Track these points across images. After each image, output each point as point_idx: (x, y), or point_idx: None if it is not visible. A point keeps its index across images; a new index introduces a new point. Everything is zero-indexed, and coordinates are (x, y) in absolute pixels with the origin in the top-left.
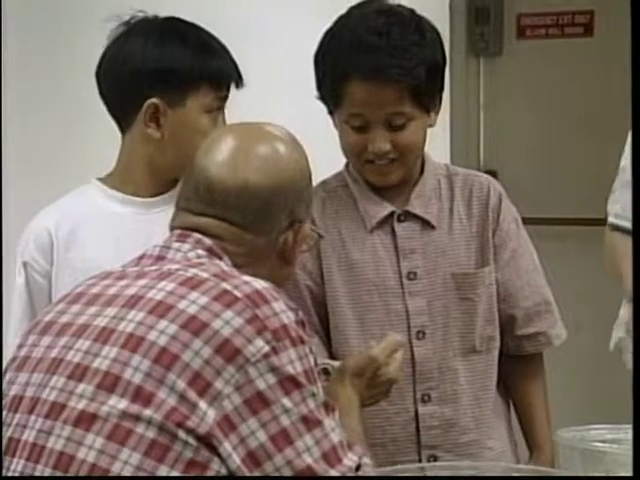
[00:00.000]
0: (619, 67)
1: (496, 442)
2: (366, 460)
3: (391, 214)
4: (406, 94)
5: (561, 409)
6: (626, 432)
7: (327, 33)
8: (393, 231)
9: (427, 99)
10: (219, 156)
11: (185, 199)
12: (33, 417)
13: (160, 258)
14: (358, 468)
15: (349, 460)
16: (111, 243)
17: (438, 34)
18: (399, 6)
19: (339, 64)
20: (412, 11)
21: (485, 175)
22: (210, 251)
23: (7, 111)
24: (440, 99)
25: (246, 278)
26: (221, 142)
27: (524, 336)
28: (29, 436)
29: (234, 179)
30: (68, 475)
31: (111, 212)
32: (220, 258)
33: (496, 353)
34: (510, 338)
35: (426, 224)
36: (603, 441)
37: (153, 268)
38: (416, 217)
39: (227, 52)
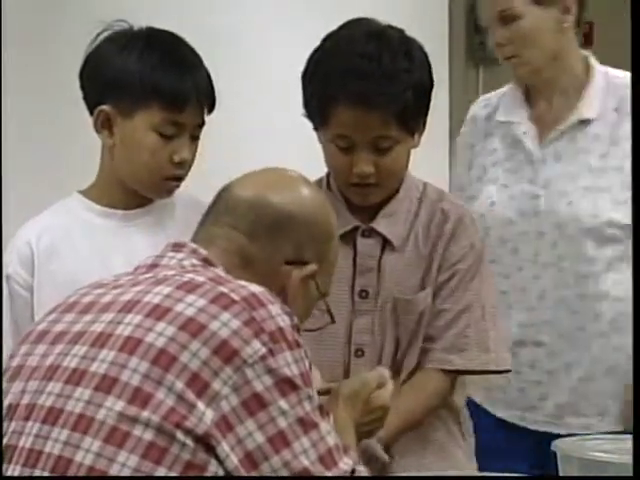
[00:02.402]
0: None
1: (443, 463)
2: (360, 467)
3: (355, 229)
4: (393, 119)
5: None
6: (625, 442)
7: (315, 53)
8: (355, 246)
9: (413, 123)
10: (250, 180)
11: (204, 215)
12: (30, 423)
13: (154, 266)
14: (353, 472)
15: (344, 464)
16: (93, 255)
17: (426, 56)
18: (389, 27)
19: (327, 87)
20: (401, 33)
21: (455, 201)
22: (205, 261)
23: (7, 112)
24: (425, 121)
25: (242, 282)
26: (257, 173)
27: (425, 349)
28: (26, 442)
29: (253, 194)
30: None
31: (92, 224)
32: (215, 267)
33: (412, 373)
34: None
35: (388, 244)
36: (602, 451)
37: (148, 275)
38: (380, 235)
39: (201, 74)
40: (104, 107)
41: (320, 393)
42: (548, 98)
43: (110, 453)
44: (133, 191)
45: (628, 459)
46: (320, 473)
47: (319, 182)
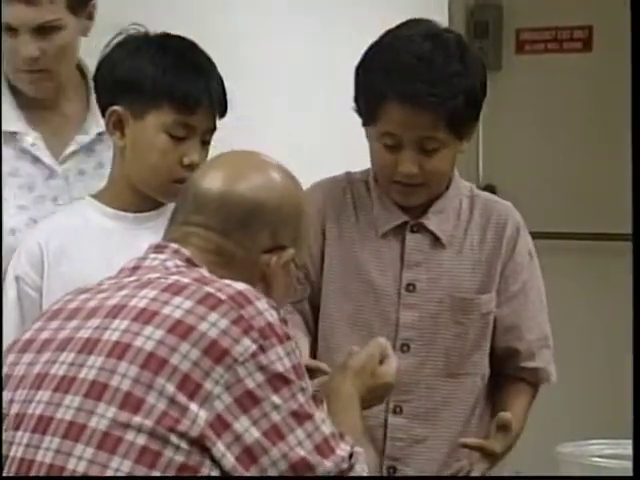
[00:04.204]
0: (618, 82)
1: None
2: (357, 449)
3: (404, 223)
4: (442, 121)
5: (561, 424)
6: (625, 447)
7: (371, 48)
8: (403, 240)
9: (462, 128)
10: (211, 171)
11: (173, 212)
12: (20, 433)
13: (136, 268)
14: (351, 456)
15: (341, 450)
16: (102, 258)
17: (482, 64)
18: (447, 30)
19: (378, 83)
20: (459, 38)
21: (507, 203)
22: (188, 261)
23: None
24: (474, 128)
25: (227, 281)
26: (216, 161)
27: (526, 368)
28: (17, 452)
29: (220, 187)
30: None
31: (102, 227)
32: (199, 267)
33: (478, 379)
34: (512, 367)
35: (437, 241)
36: (602, 456)
37: (132, 279)
38: (429, 231)
39: (214, 78)
40: (116, 108)
41: (309, 369)
42: (57, 106)
43: (103, 459)
44: (144, 194)
45: (628, 464)
46: (318, 462)
47: (366, 171)
